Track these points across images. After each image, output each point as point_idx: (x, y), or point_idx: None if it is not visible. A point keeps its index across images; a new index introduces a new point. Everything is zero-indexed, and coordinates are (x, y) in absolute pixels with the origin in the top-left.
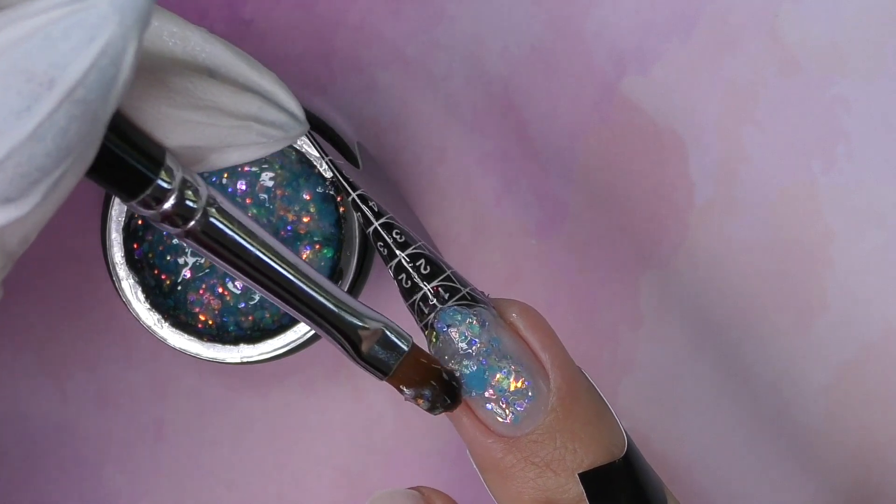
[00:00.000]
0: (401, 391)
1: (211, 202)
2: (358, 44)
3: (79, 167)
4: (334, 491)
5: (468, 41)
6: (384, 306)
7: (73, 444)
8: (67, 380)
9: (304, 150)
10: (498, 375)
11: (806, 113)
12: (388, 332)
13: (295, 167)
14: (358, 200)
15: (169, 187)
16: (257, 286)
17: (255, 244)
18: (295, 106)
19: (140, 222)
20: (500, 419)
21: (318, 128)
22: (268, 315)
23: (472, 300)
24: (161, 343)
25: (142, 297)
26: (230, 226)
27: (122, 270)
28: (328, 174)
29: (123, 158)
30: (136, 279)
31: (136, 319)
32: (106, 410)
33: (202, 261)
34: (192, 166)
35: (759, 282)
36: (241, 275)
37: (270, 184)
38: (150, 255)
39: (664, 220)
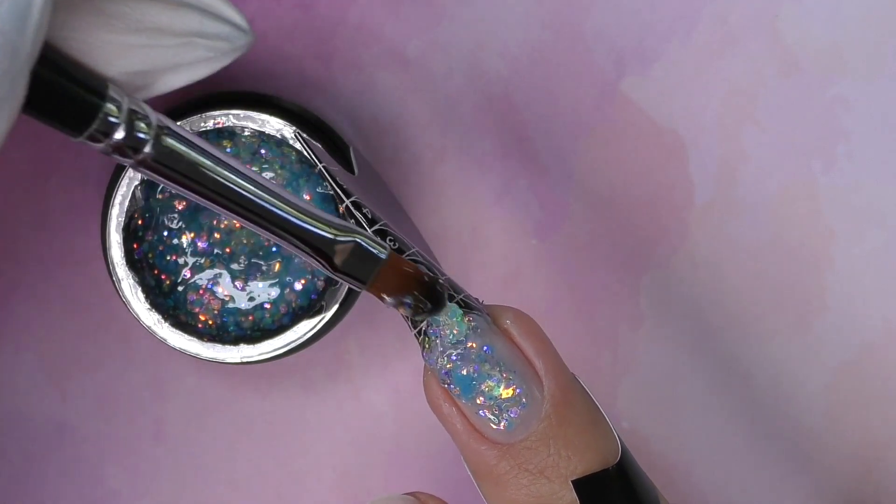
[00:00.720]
0: (382, 299)
1: (161, 129)
2: (358, 44)
3: (9, 105)
4: (334, 491)
5: (468, 41)
6: (382, 309)
7: (73, 444)
8: (67, 380)
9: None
10: (491, 382)
11: (806, 113)
12: (363, 242)
13: (295, 167)
14: (351, 207)
15: (116, 120)
16: (222, 209)
17: (212, 167)
18: (237, 16)
19: (140, 222)
20: (494, 426)
21: (318, 128)
22: (268, 315)
23: (465, 307)
24: (161, 343)
25: (142, 297)
26: (184, 151)
27: (122, 270)
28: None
29: (63, 94)
30: (136, 279)
31: (136, 319)
32: (106, 410)
33: (202, 261)
34: (140, 92)
35: (759, 282)
36: (203, 200)
37: None
38: (150, 255)
39: (664, 220)
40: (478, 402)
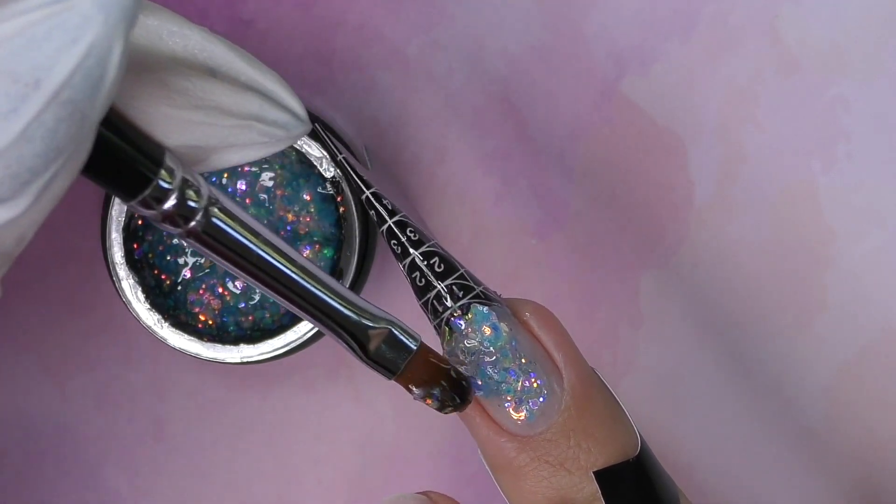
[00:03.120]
0: (409, 391)
1: (212, 201)
2: (358, 44)
3: (71, 167)
4: (334, 491)
5: (468, 41)
6: (384, 306)
7: (73, 444)
8: (67, 380)
9: (304, 151)
10: (513, 375)
11: (806, 113)
12: (396, 331)
13: (295, 167)
14: (371, 198)
15: (169, 187)
16: (261, 285)
17: (257, 243)
18: (297, 105)
19: (140, 222)
20: (514, 418)
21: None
22: (268, 315)
23: (485, 299)
24: (161, 343)
25: (142, 297)
26: (232, 225)
27: (122, 270)
28: (328, 174)
29: (122, 158)
30: (136, 279)
31: (136, 319)
32: (106, 410)
33: (202, 261)
34: (192, 166)
35: (758, 282)
36: (244, 274)
37: (270, 184)
38: (150, 255)
39: (664, 220)
40: (499, 395)
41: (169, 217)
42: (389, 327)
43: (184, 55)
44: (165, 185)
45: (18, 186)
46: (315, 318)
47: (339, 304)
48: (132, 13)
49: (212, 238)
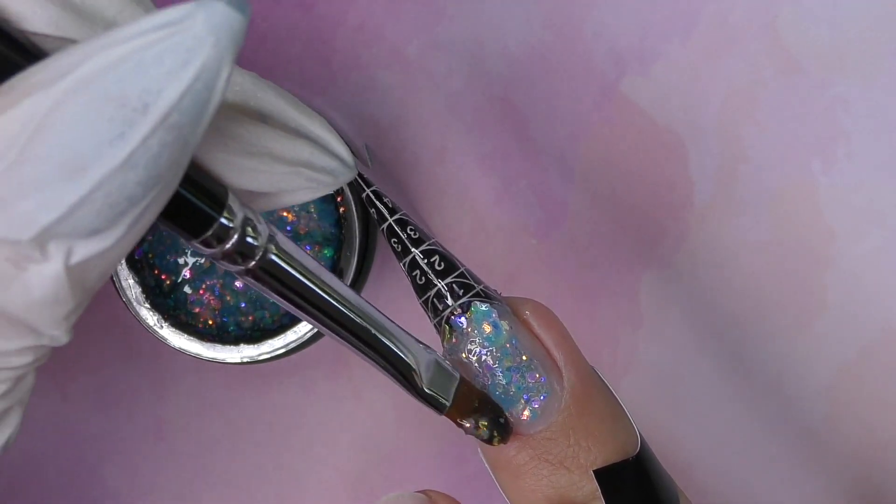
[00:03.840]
0: (459, 425)
1: (271, 240)
2: (358, 44)
3: (162, 198)
4: (334, 491)
5: (468, 41)
6: (384, 306)
7: (73, 444)
8: (68, 380)
9: None
10: (513, 374)
11: (806, 113)
12: (443, 363)
13: None
14: (372, 196)
15: (231, 226)
16: (316, 323)
17: (313, 281)
18: (344, 151)
19: None
20: (514, 417)
21: None
22: (268, 315)
23: (486, 297)
24: (161, 343)
25: (142, 297)
26: (290, 263)
27: (122, 270)
28: None
29: (188, 198)
30: (136, 279)
31: (136, 319)
32: (106, 410)
33: (202, 261)
34: None
35: (758, 282)
36: (299, 311)
37: None
38: (150, 255)
39: (664, 220)
40: (512, 397)
41: (228, 255)
42: (437, 360)
43: (236, 101)
44: (228, 224)
45: (115, 216)
46: (367, 355)
47: (390, 341)
48: (241, 35)
49: (269, 275)
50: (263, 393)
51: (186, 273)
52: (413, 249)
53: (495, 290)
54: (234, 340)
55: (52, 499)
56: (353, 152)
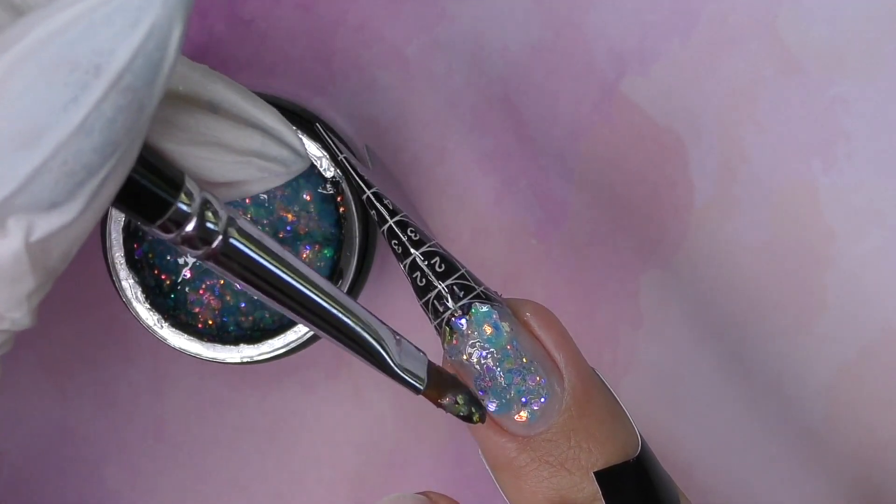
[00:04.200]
0: (438, 404)
1: (231, 223)
2: (358, 44)
3: (121, 169)
4: (334, 491)
5: (468, 41)
6: (383, 306)
7: (73, 444)
8: (67, 380)
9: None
10: (514, 376)
11: (806, 113)
12: (407, 345)
13: None
14: (372, 198)
15: (189, 210)
16: (279, 306)
17: (276, 264)
18: (296, 141)
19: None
20: (515, 418)
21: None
22: (268, 315)
23: (486, 299)
24: (161, 343)
25: (142, 297)
26: (251, 246)
27: (122, 270)
28: (328, 174)
29: (142, 182)
30: (136, 279)
31: (136, 319)
32: (106, 410)
33: None
34: None
35: (758, 282)
36: (262, 295)
37: None
38: (150, 255)
39: (664, 220)
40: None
41: (188, 240)
42: (403, 340)
43: (186, 93)
44: (185, 209)
45: (73, 187)
46: (335, 337)
47: (357, 321)
48: None
49: (230, 259)
50: (263, 393)
51: (186, 273)
52: (413, 251)
53: (496, 292)
54: (234, 340)
55: (53, 499)
56: (353, 152)
